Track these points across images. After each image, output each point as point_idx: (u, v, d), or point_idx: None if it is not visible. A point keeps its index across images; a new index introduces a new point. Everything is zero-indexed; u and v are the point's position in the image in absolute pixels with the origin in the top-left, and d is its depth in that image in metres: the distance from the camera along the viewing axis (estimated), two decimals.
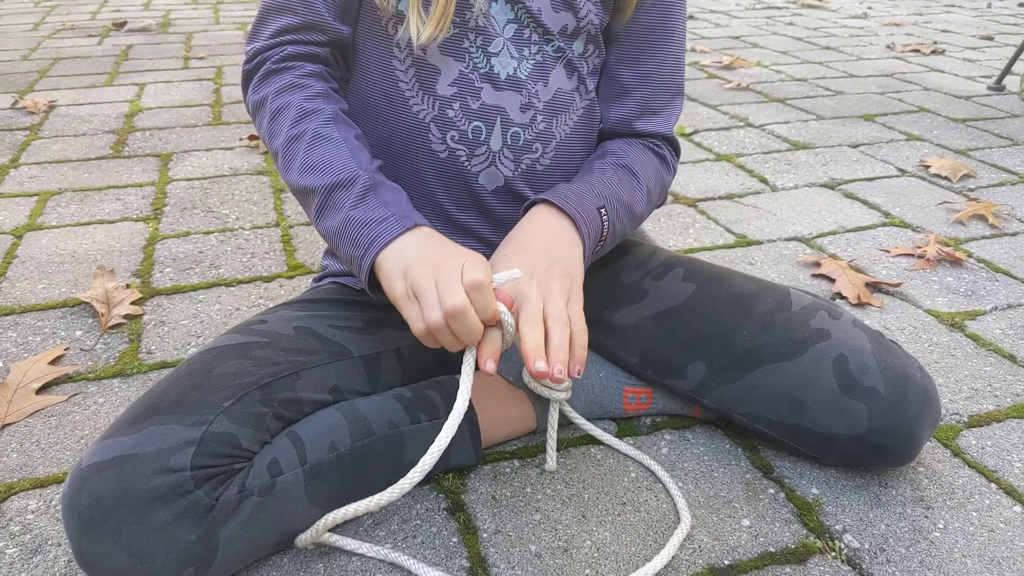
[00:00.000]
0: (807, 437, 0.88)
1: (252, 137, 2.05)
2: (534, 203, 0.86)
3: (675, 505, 0.87)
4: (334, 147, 0.80)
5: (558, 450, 0.95)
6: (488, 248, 0.93)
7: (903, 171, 1.89)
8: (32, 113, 2.24)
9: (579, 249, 0.82)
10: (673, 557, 0.80)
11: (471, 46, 0.85)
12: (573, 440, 0.97)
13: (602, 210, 0.85)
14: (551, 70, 0.88)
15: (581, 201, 0.84)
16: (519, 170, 0.89)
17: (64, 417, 1.01)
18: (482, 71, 0.85)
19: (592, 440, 0.97)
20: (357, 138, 0.83)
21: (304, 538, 0.78)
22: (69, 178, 1.78)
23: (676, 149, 0.98)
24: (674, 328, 0.94)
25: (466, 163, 0.88)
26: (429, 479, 0.90)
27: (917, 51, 3.20)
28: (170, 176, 1.81)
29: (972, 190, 1.78)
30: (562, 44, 0.87)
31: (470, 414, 0.90)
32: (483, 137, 0.87)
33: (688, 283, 0.96)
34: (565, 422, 0.98)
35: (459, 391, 0.73)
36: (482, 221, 0.92)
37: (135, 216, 1.59)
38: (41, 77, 2.62)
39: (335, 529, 0.81)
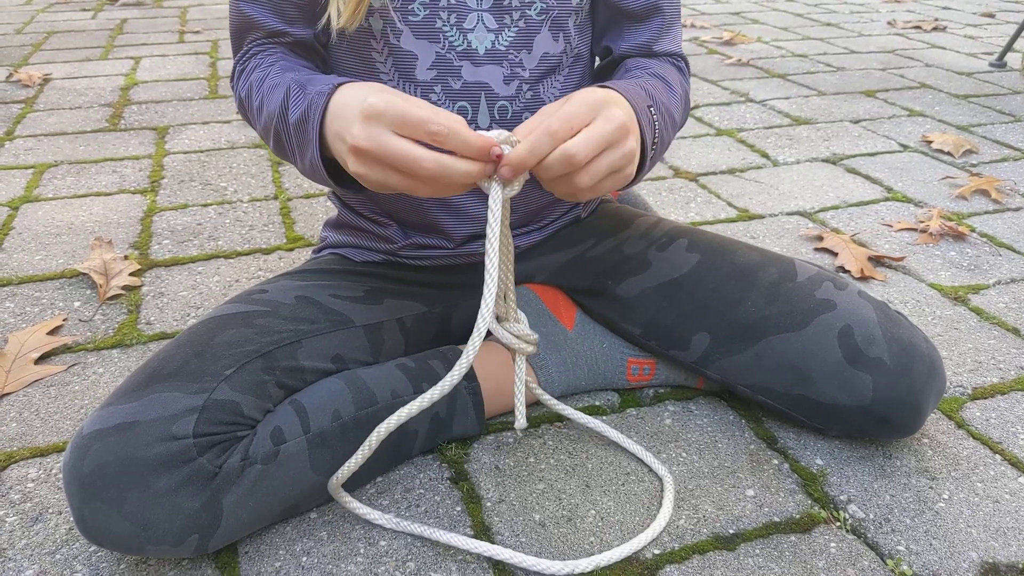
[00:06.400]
0: (812, 408, 0.88)
1: None
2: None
3: (652, 470, 0.87)
4: (278, 91, 0.78)
5: (551, 421, 0.94)
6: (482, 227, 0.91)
7: (905, 146, 1.88)
8: (27, 86, 2.21)
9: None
10: (677, 525, 0.80)
11: (444, 25, 0.83)
12: (579, 409, 0.96)
13: (651, 108, 0.78)
14: (536, 35, 0.86)
15: (634, 93, 0.77)
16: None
17: (63, 387, 1.00)
18: (459, 49, 0.84)
19: (596, 411, 0.97)
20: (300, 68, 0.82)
21: (341, 473, 0.76)
22: (65, 150, 1.76)
23: (687, 63, 0.95)
24: (678, 299, 0.93)
25: None
26: (432, 449, 0.89)
27: (918, 28, 3.18)
28: (167, 149, 1.79)
29: (975, 165, 1.77)
30: (551, 1, 0.85)
31: (473, 385, 0.90)
32: (469, 116, 0.86)
33: (692, 254, 0.95)
34: (567, 392, 0.98)
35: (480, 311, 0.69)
36: (480, 200, 0.91)
37: (132, 189, 1.58)
38: (35, 50, 2.59)
39: (349, 490, 0.80)
